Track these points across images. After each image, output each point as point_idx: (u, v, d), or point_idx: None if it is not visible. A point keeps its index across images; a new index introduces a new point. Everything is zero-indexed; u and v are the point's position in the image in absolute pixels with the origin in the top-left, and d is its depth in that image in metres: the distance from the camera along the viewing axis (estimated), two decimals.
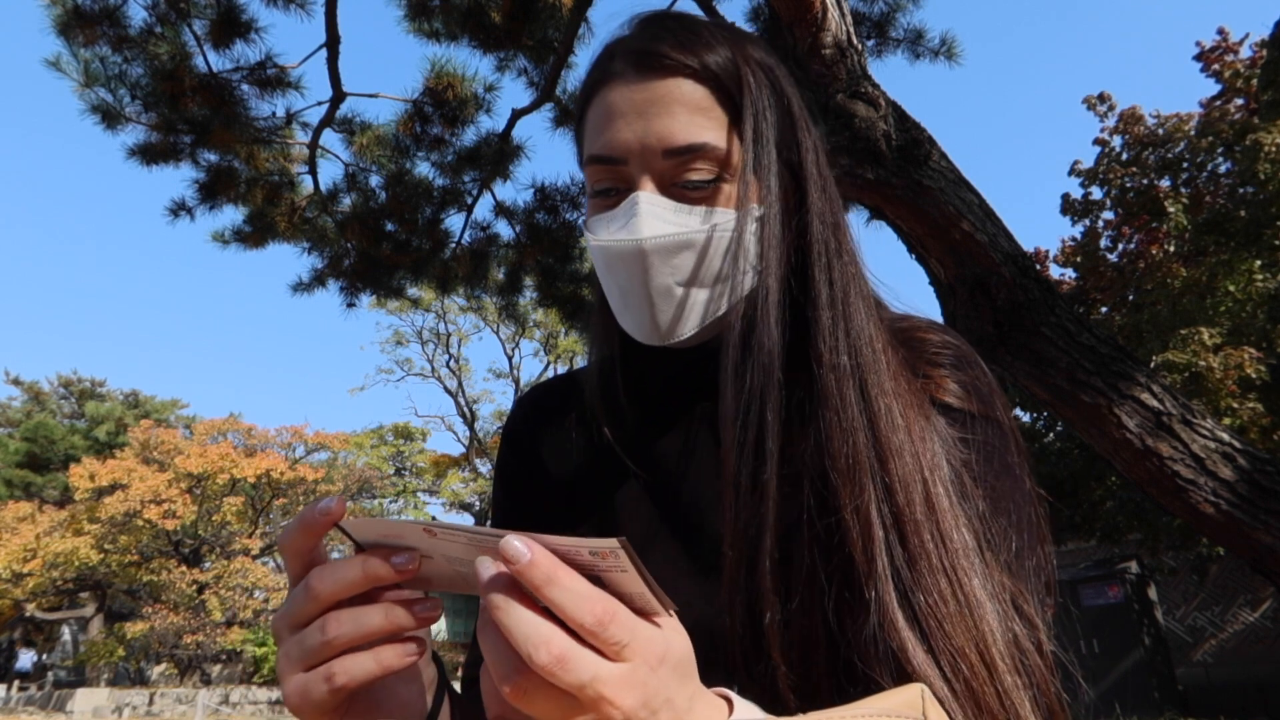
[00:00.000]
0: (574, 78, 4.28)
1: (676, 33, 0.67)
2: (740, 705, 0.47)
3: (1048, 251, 12.56)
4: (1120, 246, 11.20)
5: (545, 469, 0.76)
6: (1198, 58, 10.93)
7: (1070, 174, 11.41)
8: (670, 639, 0.43)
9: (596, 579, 0.42)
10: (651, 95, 0.65)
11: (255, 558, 20.93)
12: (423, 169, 4.47)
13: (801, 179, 0.69)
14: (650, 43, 0.66)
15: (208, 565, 21.07)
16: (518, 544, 0.39)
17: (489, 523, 0.77)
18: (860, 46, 2.39)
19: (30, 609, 21.25)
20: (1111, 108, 11.30)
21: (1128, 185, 10.61)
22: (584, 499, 0.72)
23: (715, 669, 0.58)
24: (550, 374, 25.77)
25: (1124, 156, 10.95)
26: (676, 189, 0.65)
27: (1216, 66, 10.65)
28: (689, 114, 0.65)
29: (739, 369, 0.65)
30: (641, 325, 0.66)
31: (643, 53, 0.66)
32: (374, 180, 4.55)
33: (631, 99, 0.65)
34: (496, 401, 29.53)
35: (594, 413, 0.73)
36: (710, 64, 0.66)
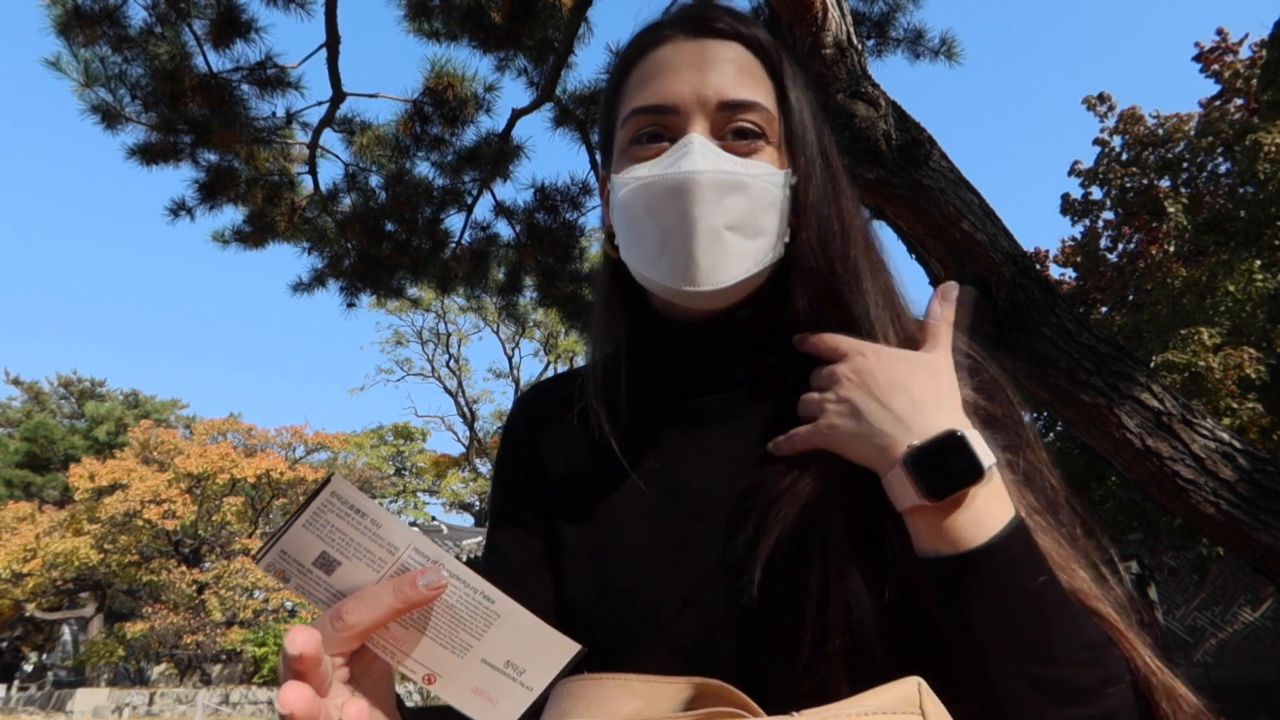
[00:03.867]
0: (574, 78, 4.28)
1: (724, 8, 0.71)
2: (975, 436, 0.55)
3: (1048, 251, 12.55)
4: (1120, 246, 11.20)
5: (544, 466, 0.76)
6: (1197, 58, 10.92)
7: (1070, 174, 11.40)
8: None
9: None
10: (705, 53, 0.68)
11: (255, 558, 20.85)
12: (423, 169, 4.47)
13: (830, 162, 0.71)
14: (702, 10, 0.71)
15: (208, 565, 21.06)
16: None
17: (488, 521, 0.79)
18: (860, 46, 2.39)
19: (30, 609, 21.24)
20: (1111, 108, 11.29)
21: (1128, 185, 10.61)
22: (582, 496, 0.72)
23: (715, 662, 0.59)
24: (550, 374, 25.74)
25: (1124, 156, 10.94)
26: (725, 143, 0.66)
27: (1216, 67, 10.64)
28: (741, 73, 0.68)
29: (755, 343, 0.69)
30: (681, 269, 0.64)
31: (696, 18, 0.70)
32: (374, 180, 4.55)
33: (686, 55, 0.68)
34: (496, 401, 29.49)
35: (594, 409, 0.73)
36: (758, 36, 0.70)
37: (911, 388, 0.58)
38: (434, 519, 23.01)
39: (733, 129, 0.66)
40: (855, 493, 0.61)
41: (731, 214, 0.64)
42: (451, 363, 27.55)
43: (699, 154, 0.64)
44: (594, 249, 5.01)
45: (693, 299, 0.66)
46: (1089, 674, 0.52)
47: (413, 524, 19.26)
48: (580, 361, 0.83)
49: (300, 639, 0.45)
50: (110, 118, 3.87)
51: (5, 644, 23.40)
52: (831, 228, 0.68)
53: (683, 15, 0.71)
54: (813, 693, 0.53)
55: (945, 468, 0.53)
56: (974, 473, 0.52)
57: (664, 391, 0.72)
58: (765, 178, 0.66)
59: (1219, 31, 10.84)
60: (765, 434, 0.67)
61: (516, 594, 0.71)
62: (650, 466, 0.69)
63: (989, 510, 0.53)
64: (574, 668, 0.51)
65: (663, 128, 0.67)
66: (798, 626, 0.58)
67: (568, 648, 0.49)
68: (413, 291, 5.51)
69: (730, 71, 0.67)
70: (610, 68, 0.76)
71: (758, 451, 0.67)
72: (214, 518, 20.53)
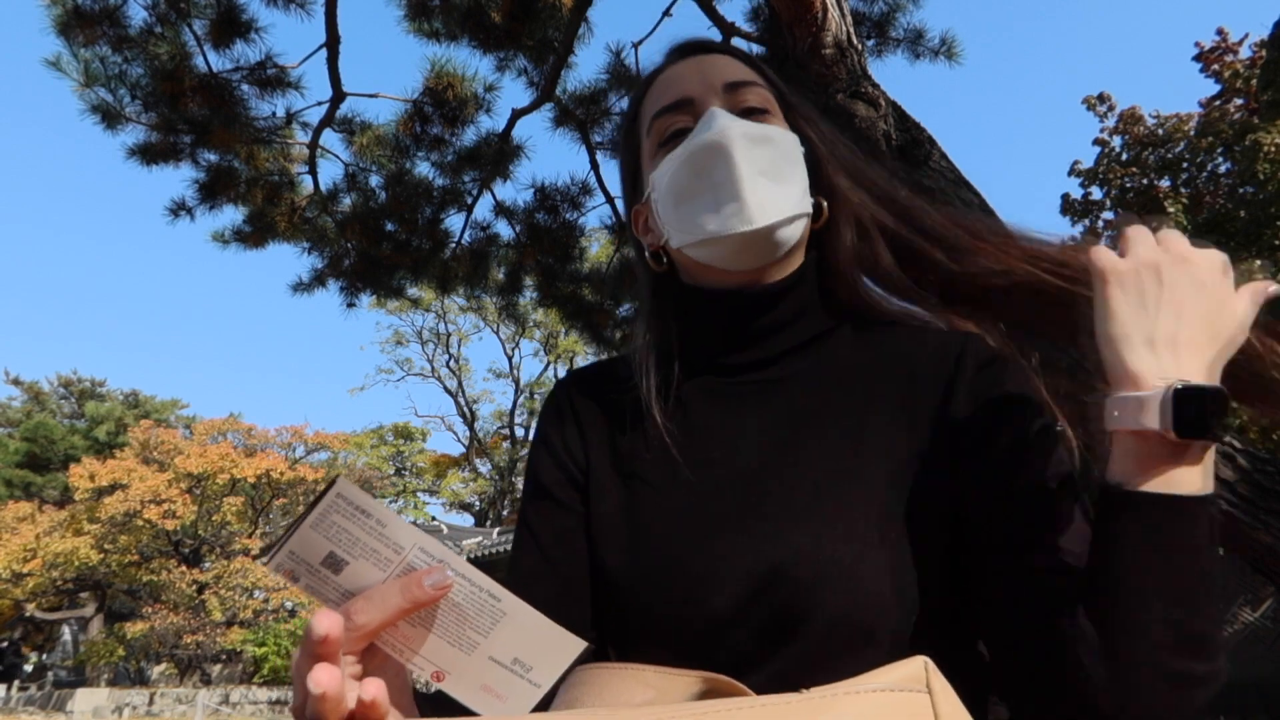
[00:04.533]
0: (574, 78, 4.28)
1: (714, 41, 0.85)
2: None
3: None
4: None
5: (585, 442, 0.79)
6: (1197, 58, 10.93)
7: (1070, 174, 11.44)
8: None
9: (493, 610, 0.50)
10: (705, 61, 0.79)
11: (255, 558, 20.90)
12: (423, 169, 4.47)
13: (835, 135, 0.81)
14: (693, 38, 0.83)
15: (208, 565, 21.06)
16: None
17: (521, 496, 0.84)
18: (860, 46, 2.39)
19: (30, 609, 21.25)
20: (1111, 108, 11.30)
21: (1128, 185, 10.62)
22: (625, 472, 0.75)
23: (740, 635, 0.62)
24: (550, 374, 25.80)
25: (1124, 156, 10.96)
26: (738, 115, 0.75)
27: (1216, 67, 10.65)
28: (739, 67, 0.79)
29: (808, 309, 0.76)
30: (736, 214, 0.70)
31: (691, 43, 0.82)
32: (374, 180, 4.55)
33: (687, 68, 0.79)
34: (496, 401, 29.59)
35: (643, 388, 0.77)
36: (746, 54, 0.82)
37: (1199, 310, 0.56)
38: (434, 519, 23.04)
39: (742, 108, 0.75)
40: (896, 473, 0.66)
41: (763, 161, 0.72)
42: (451, 363, 27.59)
43: (723, 117, 0.73)
44: (594, 249, 5.02)
45: (750, 241, 0.71)
46: (1217, 631, 0.55)
47: (413, 524, 19.27)
48: (581, 362, 0.86)
49: (326, 622, 0.46)
50: (110, 118, 3.87)
51: (7, 644, 23.41)
52: (860, 177, 0.78)
53: (678, 46, 0.83)
54: (829, 673, 0.54)
55: (1202, 414, 0.53)
56: (1221, 431, 0.54)
57: (708, 371, 0.77)
58: (784, 134, 0.75)
59: (1219, 31, 10.85)
60: (804, 410, 0.72)
61: (543, 566, 0.74)
62: (692, 443, 0.73)
63: (1207, 464, 0.56)
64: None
65: (685, 118, 0.76)
66: (823, 607, 0.60)
67: (574, 645, 0.50)
68: (413, 291, 5.51)
69: (729, 65, 0.79)
70: (624, 116, 0.88)
71: (797, 428, 0.71)
72: (214, 518, 20.54)
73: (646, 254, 0.81)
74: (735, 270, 0.74)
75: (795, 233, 0.73)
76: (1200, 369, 0.55)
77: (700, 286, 0.77)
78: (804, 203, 0.74)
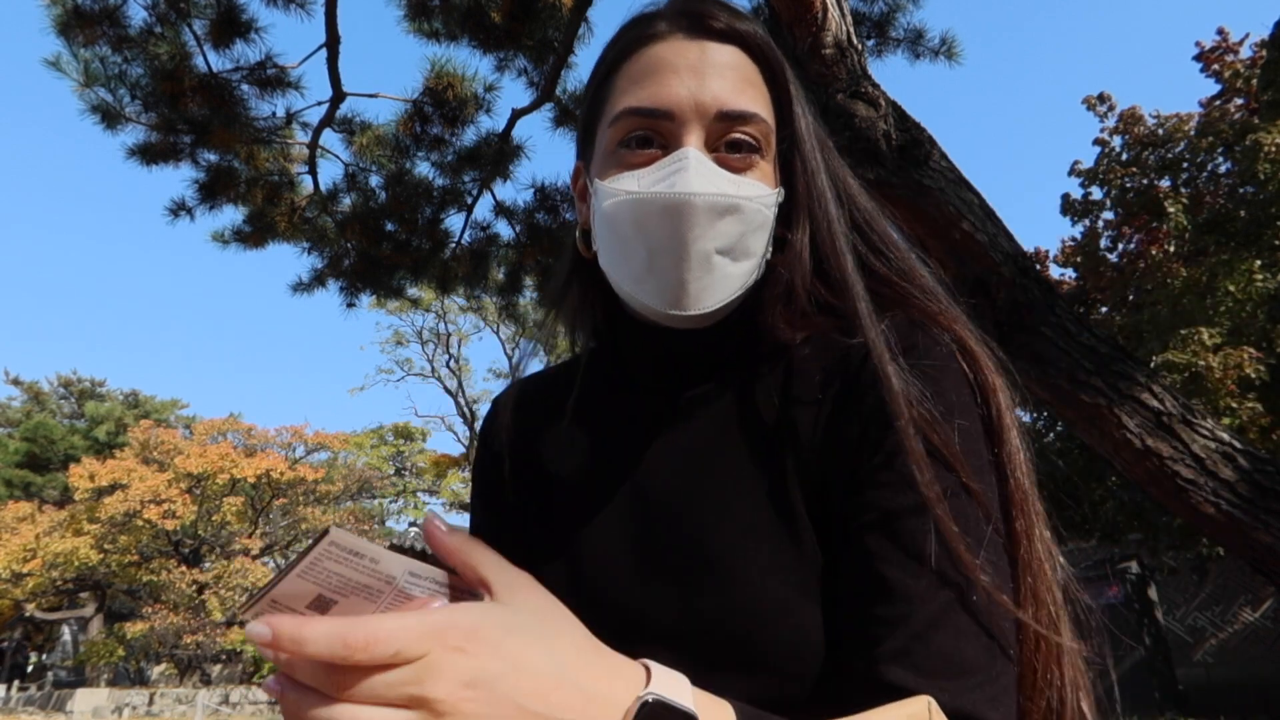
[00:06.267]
0: (574, 78, 4.28)
1: (723, 5, 0.68)
2: (661, 674, 0.45)
3: (1048, 251, 12.55)
4: (1120, 246, 11.21)
5: (517, 471, 0.75)
6: (1198, 58, 10.92)
7: (1070, 174, 11.42)
8: (483, 612, 0.44)
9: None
10: (706, 57, 0.64)
11: (255, 558, 20.92)
12: (423, 169, 4.48)
13: (832, 170, 0.70)
14: (701, 6, 0.67)
15: (208, 565, 21.07)
16: (258, 628, 0.39)
17: (469, 525, 0.79)
18: (860, 46, 2.39)
19: (30, 609, 21.24)
20: (1111, 108, 11.29)
21: (1128, 185, 10.62)
22: (554, 498, 0.71)
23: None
24: None
25: (1124, 156, 10.96)
26: (719, 155, 0.64)
27: (1216, 66, 10.64)
28: (742, 82, 0.65)
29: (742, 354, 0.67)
30: (667, 292, 0.62)
31: (694, 15, 0.66)
32: (374, 180, 4.55)
33: (685, 57, 0.64)
34: None
35: (575, 406, 0.73)
36: (757, 38, 0.67)
37: (562, 679, 0.43)
38: (438, 518, 23.01)
39: (728, 140, 0.64)
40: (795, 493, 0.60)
41: (724, 238, 0.62)
42: (451, 363, 27.57)
43: (695, 173, 0.61)
44: None
45: (679, 322, 0.64)
46: None
47: (412, 524, 19.25)
48: None
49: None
50: (110, 118, 3.87)
51: (10, 644, 23.40)
52: (828, 240, 0.67)
53: (681, 9, 0.67)
54: (771, 704, 0.51)
55: None
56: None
57: (635, 391, 0.71)
58: (759, 199, 0.63)
59: (1219, 31, 10.84)
60: (721, 435, 0.66)
61: None
62: (618, 467, 0.68)
63: None
64: None
65: (655, 133, 0.64)
66: (745, 638, 0.57)
67: None
68: (413, 291, 5.51)
69: (730, 79, 0.64)
70: (600, 54, 0.72)
71: (718, 452, 0.65)
72: (214, 518, 20.54)
73: (578, 233, 0.72)
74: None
75: (734, 304, 0.65)
76: (619, 692, 0.44)
77: (625, 310, 0.69)
78: (756, 272, 0.65)
